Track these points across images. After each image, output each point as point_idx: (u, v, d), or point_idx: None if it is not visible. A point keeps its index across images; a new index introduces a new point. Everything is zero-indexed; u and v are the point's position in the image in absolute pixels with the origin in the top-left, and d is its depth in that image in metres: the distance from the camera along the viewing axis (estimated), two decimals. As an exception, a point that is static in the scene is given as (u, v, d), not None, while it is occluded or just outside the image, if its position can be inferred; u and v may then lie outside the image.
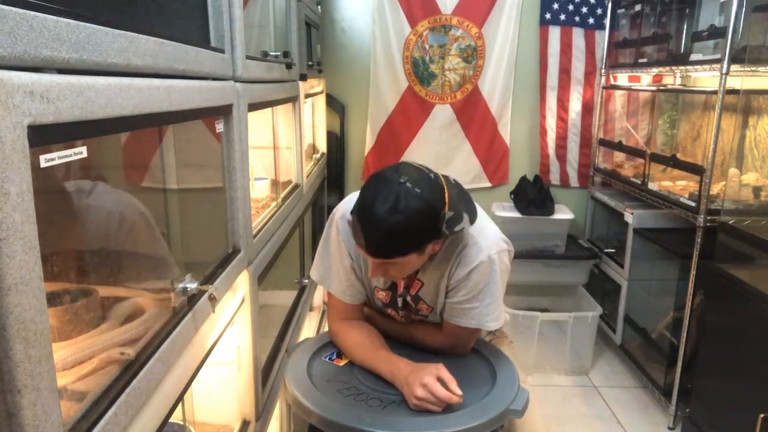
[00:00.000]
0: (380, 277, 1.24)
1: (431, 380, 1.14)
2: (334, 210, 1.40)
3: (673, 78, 3.06)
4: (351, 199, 1.39)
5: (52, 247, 0.71)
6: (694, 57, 2.32)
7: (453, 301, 1.32)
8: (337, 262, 1.39)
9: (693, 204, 2.24)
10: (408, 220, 1.10)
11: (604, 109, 3.23)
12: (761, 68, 2.09)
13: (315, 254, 1.45)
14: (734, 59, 2.05)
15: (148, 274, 0.97)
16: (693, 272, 2.26)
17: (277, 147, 1.92)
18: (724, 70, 2.07)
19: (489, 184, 3.42)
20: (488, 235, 1.29)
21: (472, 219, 1.23)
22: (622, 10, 3.10)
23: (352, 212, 1.18)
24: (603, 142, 3.24)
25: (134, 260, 0.95)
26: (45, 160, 0.54)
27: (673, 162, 2.46)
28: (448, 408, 1.14)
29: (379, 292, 1.41)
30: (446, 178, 1.23)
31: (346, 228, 1.35)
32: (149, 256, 0.98)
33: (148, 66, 0.75)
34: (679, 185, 2.52)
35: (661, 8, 2.71)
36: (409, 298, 1.38)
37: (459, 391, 1.13)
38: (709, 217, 2.17)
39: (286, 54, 1.80)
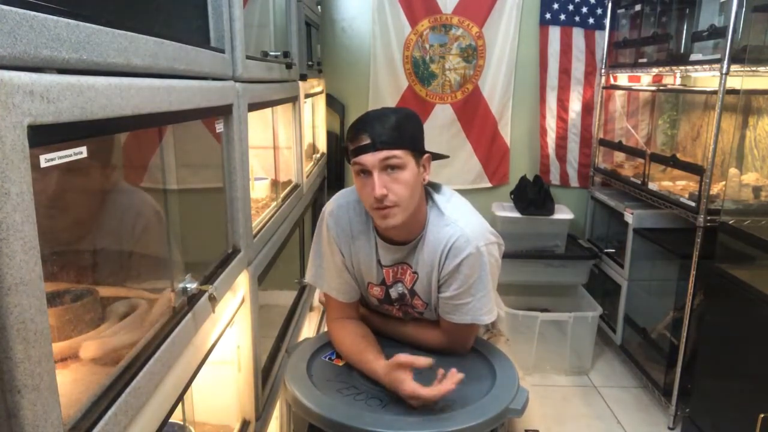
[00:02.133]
0: (384, 195, 1.20)
1: (411, 388, 1.13)
2: (323, 208, 1.41)
3: (673, 78, 3.06)
4: (339, 197, 1.40)
5: (63, 246, 0.71)
6: (694, 57, 2.32)
7: (445, 296, 1.32)
8: (329, 260, 1.39)
9: (693, 204, 2.24)
10: (402, 113, 1.26)
11: (604, 109, 3.23)
12: (761, 68, 2.09)
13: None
14: (734, 59, 2.05)
15: (151, 274, 0.97)
16: (693, 272, 2.26)
17: (277, 147, 1.92)
18: (724, 70, 2.08)
19: (489, 184, 3.43)
20: (475, 228, 1.30)
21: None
22: (622, 10, 3.10)
23: (347, 137, 1.27)
24: (603, 142, 3.24)
25: (142, 259, 0.95)
26: (45, 160, 0.54)
27: (673, 162, 2.46)
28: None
29: (373, 288, 1.41)
30: None
31: (336, 225, 1.36)
32: (156, 256, 0.98)
33: (148, 66, 0.75)
34: (679, 185, 2.52)
35: (661, 8, 2.71)
36: (405, 292, 1.38)
37: (426, 360, 1.15)
38: (709, 217, 2.17)
39: (286, 54, 1.80)
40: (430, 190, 1.37)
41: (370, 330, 1.44)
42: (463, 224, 1.29)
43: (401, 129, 1.22)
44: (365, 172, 1.22)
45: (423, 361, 1.15)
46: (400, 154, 1.20)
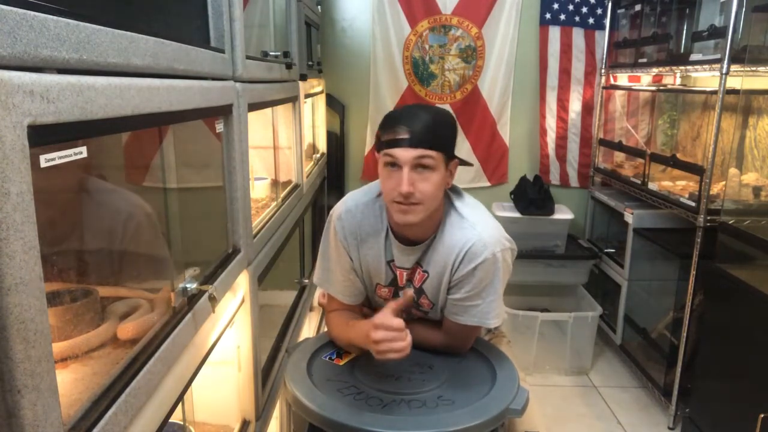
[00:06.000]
0: (410, 192, 1.20)
1: (381, 318, 1.15)
2: (331, 211, 1.41)
3: (673, 78, 3.06)
4: (348, 200, 1.40)
5: (57, 246, 0.71)
6: (694, 57, 2.32)
7: (455, 297, 1.32)
8: (335, 263, 1.39)
9: (693, 204, 2.24)
10: (442, 114, 1.25)
11: (604, 109, 3.23)
12: (761, 68, 2.09)
13: (316, 257, 1.45)
14: (734, 59, 2.05)
15: (150, 275, 0.97)
16: (693, 272, 2.26)
17: (277, 147, 1.92)
18: (724, 70, 2.07)
19: (488, 184, 3.43)
20: (493, 233, 1.30)
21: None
22: (622, 10, 3.10)
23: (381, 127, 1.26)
24: (603, 142, 3.24)
25: (138, 260, 0.95)
26: (45, 160, 0.54)
27: (673, 162, 2.46)
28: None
29: (381, 289, 1.41)
30: None
31: (344, 228, 1.36)
32: (152, 257, 0.98)
33: (148, 66, 0.75)
34: (679, 185, 2.52)
35: (661, 8, 2.71)
36: (412, 291, 1.38)
37: (408, 293, 1.18)
38: (709, 217, 2.17)
39: (286, 54, 1.80)
40: (448, 191, 1.37)
41: None
42: (480, 229, 1.29)
43: (439, 130, 1.22)
44: (394, 164, 1.21)
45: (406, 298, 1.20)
46: (434, 155, 1.20)
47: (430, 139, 1.19)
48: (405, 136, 1.19)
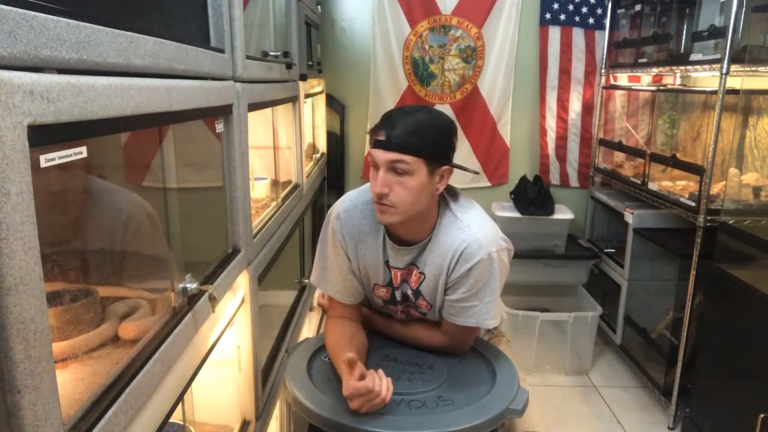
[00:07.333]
0: (383, 193, 1.20)
1: (349, 389, 1.09)
2: (330, 210, 1.41)
3: (673, 78, 3.06)
4: (345, 200, 1.40)
5: (57, 246, 0.71)
6: (694, 57, 2.32)
7: (452, 298, 1.32)
8: (333, 263, 1.39)
9: (693, 204, 2.24)
10: (432, 118, 1.24)
11: (604, 109, 3.23)
12: (761, 68, 2.09)
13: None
14: (734, 59, 2.05)
15: (150, 275, 0.97)
16: (693, 272, 2.26)
17: (277, 147, 1.92)
18: (724, 70, 2.08)
19: (488, 184, 3.43)
20: (488, 233, 1.29)
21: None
22: (622, 10, 3.10)
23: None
24: (603, 142, 3.24)
25: (138, 260, 0.95)
26: (45, 160, 0.54)
27: (673, 162, 2.46)
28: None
29: (379, 290, 1.41)
30: None
31: (342, 228, 1.36)
32: (152, 257, 0.99)
33: (148, 66, 0.75)
34: (679, 185, 2.52)
35: (661, 8, 2.71)
36: (410, 292, 1.38)
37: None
38: (709, 217, 2.17)
39: (286, 54, 1.80)
40: (445, 193, 1.36)
41: (371, 330, 1.44)
42: (476, 229, 1.29)
43: (422, 135, 1.20)
44: (376, 165, 1.24)
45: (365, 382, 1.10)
46: (409, 161, 1.19)
47: (407, 144, 1.19)
48: (382, 138, 1.20)
